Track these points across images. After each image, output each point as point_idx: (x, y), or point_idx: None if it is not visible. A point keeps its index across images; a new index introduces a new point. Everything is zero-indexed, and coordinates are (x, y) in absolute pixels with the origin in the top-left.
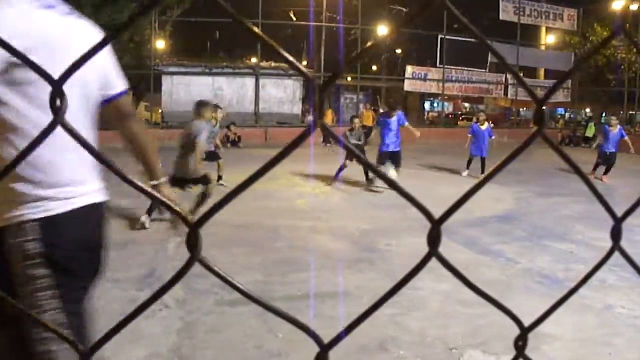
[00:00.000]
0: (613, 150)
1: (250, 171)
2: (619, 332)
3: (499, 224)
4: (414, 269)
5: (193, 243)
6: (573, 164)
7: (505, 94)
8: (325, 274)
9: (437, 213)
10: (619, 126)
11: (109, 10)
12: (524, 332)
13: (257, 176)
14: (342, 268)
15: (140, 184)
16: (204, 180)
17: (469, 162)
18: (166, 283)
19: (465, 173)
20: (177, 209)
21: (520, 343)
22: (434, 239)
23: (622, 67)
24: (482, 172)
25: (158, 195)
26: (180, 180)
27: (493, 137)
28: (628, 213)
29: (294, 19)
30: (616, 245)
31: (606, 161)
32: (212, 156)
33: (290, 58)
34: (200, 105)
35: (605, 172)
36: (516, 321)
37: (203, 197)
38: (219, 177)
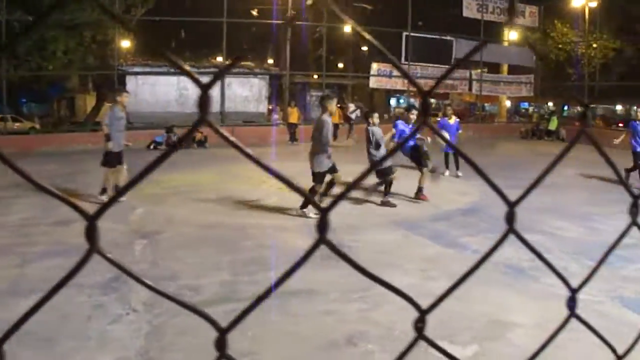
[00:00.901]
0: None
1: (215, 171)
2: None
3: (465, 217)
4: (304, 255)
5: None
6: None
7: (470, 89)
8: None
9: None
10: None
11: (70, 9)
12: (423, 314)
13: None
14: (309, 265)
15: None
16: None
17: (446, 160)
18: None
19: (447, 173)
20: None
21: (420, 325)
22: (322, 226)
23: (582, 62)
24: (457, 168)
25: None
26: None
27: (460, 132)
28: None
29: (257, 16)
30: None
31: None
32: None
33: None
34: (325, 99)
35: None
36: (413, 304)
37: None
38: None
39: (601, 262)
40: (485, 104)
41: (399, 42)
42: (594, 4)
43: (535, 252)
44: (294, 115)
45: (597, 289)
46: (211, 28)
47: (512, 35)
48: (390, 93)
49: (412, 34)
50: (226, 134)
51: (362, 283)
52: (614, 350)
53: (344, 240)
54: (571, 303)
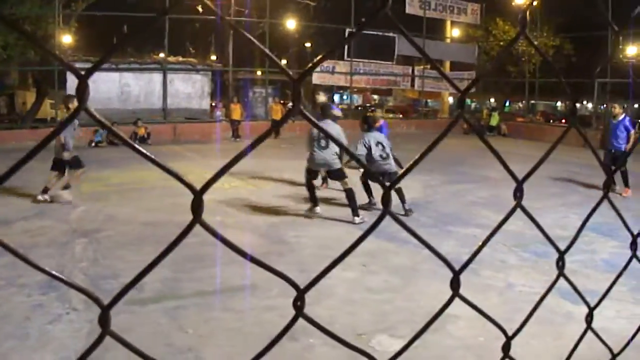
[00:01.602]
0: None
1: (158, 168)
2: (520, 309)
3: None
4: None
5: None
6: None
7: (413, 85)
8: (235, 268)
9: None
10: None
11: (10, 3)
12: (301, 293)
13: None
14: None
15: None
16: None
17: None
18: None
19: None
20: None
21: (299, 303)
22: (196, 207)
23: (523, 59)
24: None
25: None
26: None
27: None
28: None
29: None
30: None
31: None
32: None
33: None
34: (327, 108)
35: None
36: (292, 284)
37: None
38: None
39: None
40: (428, 100)
41: (341, 38)
42: (535, 2)
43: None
44: (236, 111)
45: (535, 281)
46: (154, 23)
47: (454, 32)
48: (333, 89)
49: (355, 30)
50: (114, 129)
51: (303, 278)
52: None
53: (286, 236)
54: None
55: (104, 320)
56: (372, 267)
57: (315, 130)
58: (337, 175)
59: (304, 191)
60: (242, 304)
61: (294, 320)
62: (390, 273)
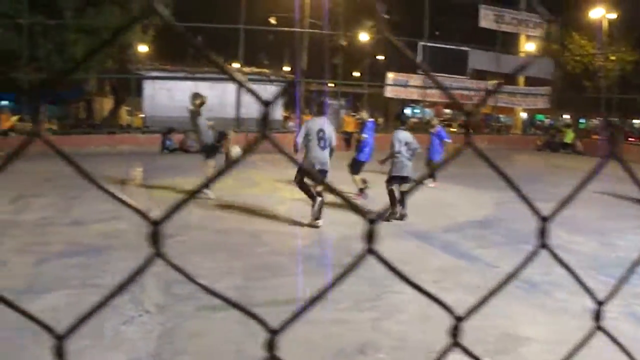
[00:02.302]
0: None
1: (232, 176)
2: (597, 334)
3: (478, 229)
4: (350, 265)
5: None
6: None
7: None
8: (305, 279)
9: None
10: None
11: (90, 14)
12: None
13: None
14: (322, 273)
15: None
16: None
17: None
18: None
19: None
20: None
21: (455, 333)
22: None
23: (600, 74)
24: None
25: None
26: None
27: (447, 140)
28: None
29: (275, 24)
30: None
31: None
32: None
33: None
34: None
35: None
36: (450, 312)
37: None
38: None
39: (626, 277)
40: (500, 116)
41: (415, 52)
42: (612, 16)
43: (568, 269)
44: None
45: (610, 305)
46: (229, 34)
47: (529, 46)
48: (405, 103)
49: (428, 43)
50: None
51: (373, 292)
52: None
53: (357, 249)
54: (597, 316)
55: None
56: (445, 284)
57: (316, 128)
58: (325, 176)
59: (376, 204)
60: (311, 315)
61: (449, 347)
62: (463, 291)
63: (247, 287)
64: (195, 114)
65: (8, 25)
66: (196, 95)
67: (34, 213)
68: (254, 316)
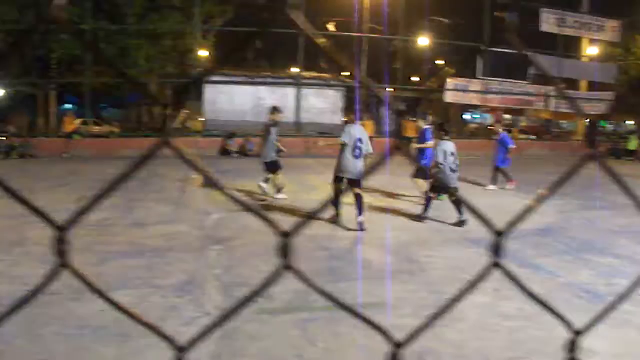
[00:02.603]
0: None
1: (290, 180)
2: None
3: (540, 237)
4: (476, 278)
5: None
6: None
7: (547, 105)
8: (365, 285)
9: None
10: None
11: (152, 19)
12: (576, 335)
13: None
14: (382, 279)
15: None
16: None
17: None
18: None
19: (491, 187)
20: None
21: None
22: (495, 248)
23: None
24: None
25: None
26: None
27: (511, 146)
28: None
29: (333, 29)
30: None
31: None
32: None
33: None
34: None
35: None
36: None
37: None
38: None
39: None
40: (562, 121)
41: (475, 56)
42: None
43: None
44: (368, 127)
45: None
46: (288, 39)
47: (592, 50)
48: (465, 108)
49: (488, 48)
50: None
51: (432, 299)
52: None
53: (416, 255)
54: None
55: None
56: (505, 292)
57: (355, 136)
58: (357, 185)
59: (438, 211)
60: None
61: None
62: (524, 299)
63: (307, 292)
64: (269, 127)
65: (72, 31)
66: (275, 109)
67: (96, 214)
68: (377, 328)
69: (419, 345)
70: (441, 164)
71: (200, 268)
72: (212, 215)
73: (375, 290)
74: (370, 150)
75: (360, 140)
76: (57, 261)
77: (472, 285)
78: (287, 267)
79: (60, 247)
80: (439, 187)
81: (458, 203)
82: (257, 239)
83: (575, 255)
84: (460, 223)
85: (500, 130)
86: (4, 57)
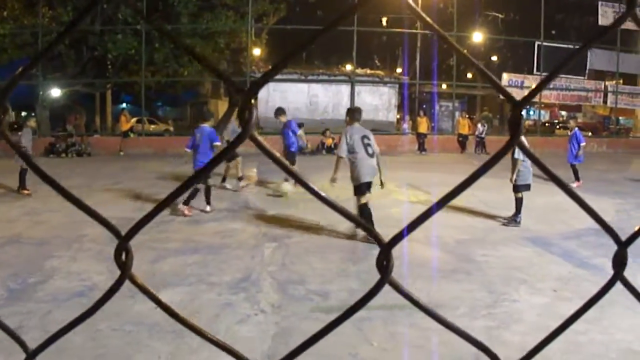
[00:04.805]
0: None
1: (342, 178)
2: None
3: (598, 237)
4: (601, 290)
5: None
6: None
7: (605, 101)
8: (421, 284)
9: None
10: None
11: (205, 18)
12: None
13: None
14: (438, 278)
15: None
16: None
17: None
18: None
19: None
20: None
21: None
22: (620, 261)
23: None
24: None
25: None
26: None
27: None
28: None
29: (385, 25)
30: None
31: None
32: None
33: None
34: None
35: None
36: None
37: None
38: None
39: None
40: (620, 118)
41: (531, 52)
42: None
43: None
44: (423, 125)
45: None
46: (341, 36)
47: None
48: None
49: (544, 43)
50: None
51: (489, 299)
52: None
53: (474, 254)
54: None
55: None
56: (564, 294)
57: (359, 134)
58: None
59: (494, 210)
60: (427, 321)
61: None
62: (582, 301)
63: (362, 291)
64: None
65: (127, 32)
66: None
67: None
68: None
69: (475, 347)
70: (523, 160)
71: (255, 265)
72: (267, 212)
73: (431, 290)
74: (377, 150)
75: (366, 137)
76: (120, 275)
77: (593, 301)
78: (389, 282)
79: (122, 259)
80: (522, 186)
81: (520, 202)
82: (312, 236)
83: (634, 258)
84: (515, 222)
85: (574, 126)
86: (61, 58)
